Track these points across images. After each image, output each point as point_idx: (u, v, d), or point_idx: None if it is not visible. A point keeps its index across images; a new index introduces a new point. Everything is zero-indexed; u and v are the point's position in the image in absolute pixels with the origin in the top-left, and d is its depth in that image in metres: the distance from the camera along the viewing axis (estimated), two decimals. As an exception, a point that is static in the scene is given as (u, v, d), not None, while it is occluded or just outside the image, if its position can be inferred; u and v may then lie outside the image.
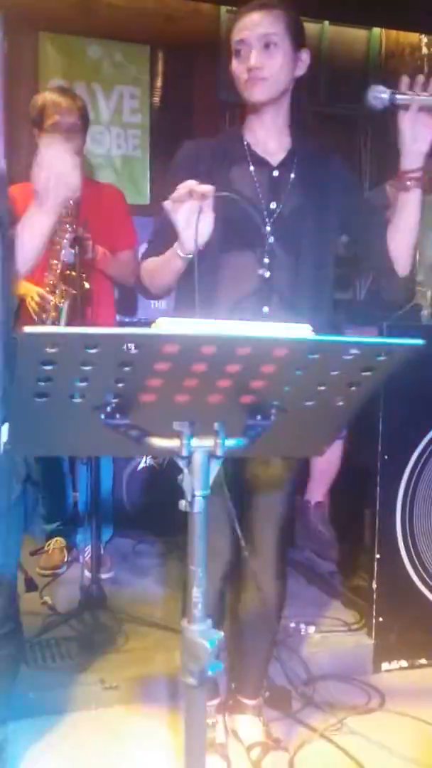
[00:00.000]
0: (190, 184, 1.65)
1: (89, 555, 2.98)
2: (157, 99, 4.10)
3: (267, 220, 1.86)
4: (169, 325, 1.11)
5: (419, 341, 1.16)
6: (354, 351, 1.16)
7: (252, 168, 1.88)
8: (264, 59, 1.79)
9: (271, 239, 1.86)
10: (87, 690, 2.38)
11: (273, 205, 1.87)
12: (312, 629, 2.72)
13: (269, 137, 1.91)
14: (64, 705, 2.31)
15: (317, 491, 3.57)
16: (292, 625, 2.69)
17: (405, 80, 1.79)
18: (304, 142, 1.94)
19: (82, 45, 3.92)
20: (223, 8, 4.14)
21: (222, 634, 1.21)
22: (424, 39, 4.60)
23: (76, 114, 3.03)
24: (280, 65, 1.80)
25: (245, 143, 1.91)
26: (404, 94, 1.79)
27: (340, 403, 1.32)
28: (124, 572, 3.29)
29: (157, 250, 1.85)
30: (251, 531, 2.01)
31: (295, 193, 1.88)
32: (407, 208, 1.89)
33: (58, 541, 3.37)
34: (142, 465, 3.59)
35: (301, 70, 1.86)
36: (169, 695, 2.33)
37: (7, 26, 3.74)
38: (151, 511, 3.50)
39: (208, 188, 1.65)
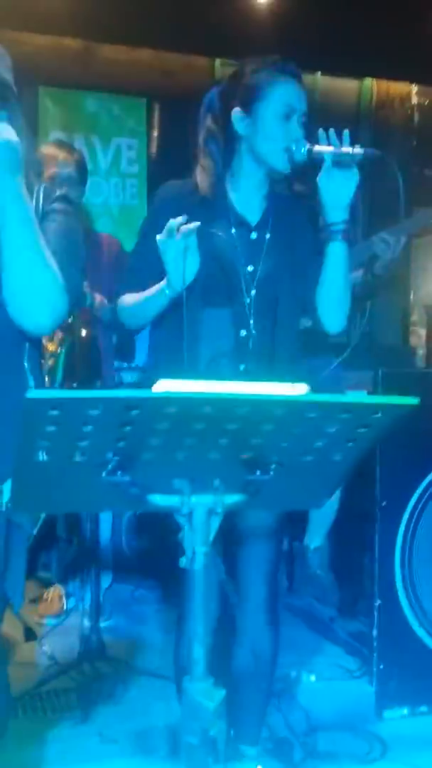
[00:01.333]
0: (179, 220, 1.69)
1: (89, 602, 2.97)
2: (153, 149, 4.18)
3: (244, 281, 1.88)
4: (169, 386, 1.13)
5: (414, 400, 1.18)
6: (350, 410, 1.19)
7: (234, 230, 1.90)
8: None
9: (248, 300, 1.88)
10: (86, 743, 2.35)
11: (250, 268, 1.89)
12: (313, 677, 2.70)
13: (253, 198, 1.93)
14: (62, 759, 2.28)
15: (316, 536, 3.56)
16: (294, 673, 2.67)
17: (322, 133, 1.81)
18: (277, 201, 1.95)
19: (80, 99, 4.01)
20: (218, 61, 4.24)
21: (224, 692, 1.22)
22: (414, 89, 4.71)
23: (73, 166, 3.10)
24: None
25: (229, 202, 1.92)
26: (320, 146, 1.79)
27: (338, 458, 1.34)
28: (123, 619, 3.28)
29: (134, 287, 1.88)
30: (240, 579, 2.01)
31: (271, 255, 1.90)
32: (329, 262, 1.87)
33: (57, 588, 3.36)
34: (140, 510, 3.58)
35: None
36: (169, 748, 2.30)
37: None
38: (150, 556, 3.49)
39: (194, 225, 1.69)
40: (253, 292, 1.88)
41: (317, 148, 1.80)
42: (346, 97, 4.58)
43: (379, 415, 1.22)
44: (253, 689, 2.09)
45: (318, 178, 1.82)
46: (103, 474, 1.23)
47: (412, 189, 4.74)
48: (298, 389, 1.17)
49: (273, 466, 1.30)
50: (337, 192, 1.81)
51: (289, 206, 1.95)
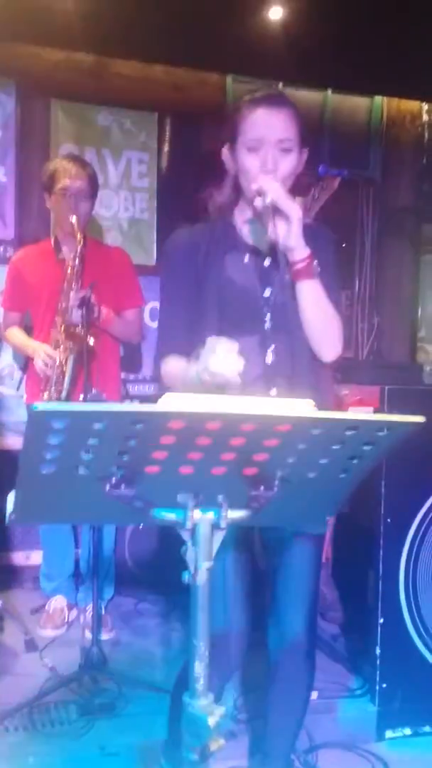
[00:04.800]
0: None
1: (90, 614, 2.96)
2: (164, 164, 4.21)
3: (263, 307, 1.87)
4: (175, 401, 1.13)
5: (420, 418, 1.18)
6: (355, 427, 1.19)
7: (245, 258, 1.90)
8: (279, 163, 1.80)
9: (268, 325, 1.87)
10: (86, 756, 2.35)
11: (267, 293, 1.88)
12: (315, 694, 2.68)
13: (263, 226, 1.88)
14: (62, 772, 2.28)
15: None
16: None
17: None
18: None
19: (92, 112, 4.04)
20: (229, 77, 4.27)
21: (224, 709, 1.21)
22: (425, 107, 4.73)
23: (85, 179, 3.14)
24: (292, 169, 1.83)
25: (238, 231, 1.92)
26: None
27: (342, 475, 1.34)
28: (125, 633, 3.27)
29: (175, 349, 1.86)
30: (278, 610, 1.96)
31: (286, 278, 1.85)
32: (300, 299, 1.83)
33: (59, 600, 3.36)
34: (144, 524, 3.58)
35: (301, 167, 1.89)
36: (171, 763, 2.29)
37: (20, 94, 3.87)
38: (154, 569, 3.49)
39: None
40: (271, 316, 1.87)
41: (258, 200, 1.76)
42: (357, 115, 4.60)
43: (385, 432, 1.22)
44: (284, 719, 2.06)
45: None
46: (107, 487, 1.23)
47: (423, 207, 4.78)
48: (303, 406, 1.17)
49: (277, 482, 1.31)
50: (283, 233, 1.76)
51: (307, 232, 1.87)
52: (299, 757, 2.35)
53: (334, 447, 1.25)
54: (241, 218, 1.93)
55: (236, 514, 1.30)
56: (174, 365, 1.87)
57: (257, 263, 1.90)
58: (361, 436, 1.23)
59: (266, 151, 1.80)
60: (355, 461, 1.30)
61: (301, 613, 1.95)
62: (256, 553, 1.96)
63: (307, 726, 2.52)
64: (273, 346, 1.87)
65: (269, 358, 1.87)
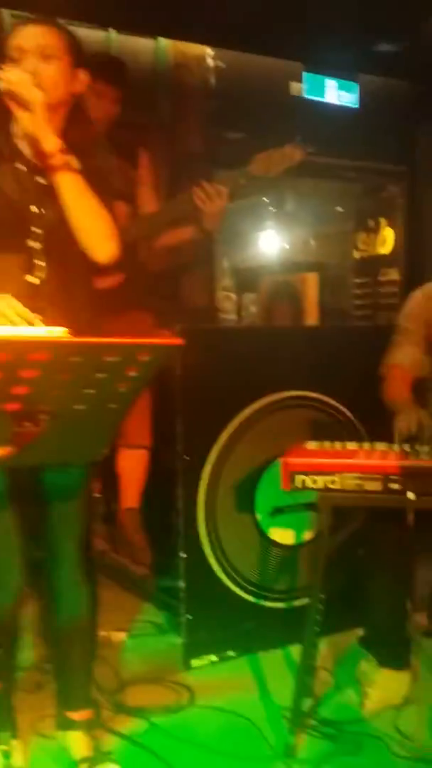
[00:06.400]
0: None
1: None
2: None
3: (31, 224, 1.80)
4: None
5: (177, 340, 1.18)
6: (114, 352, 1.17)
7: (19, 169, 1.83)
8: (41, 68, 1.78)
9: (37, 245, 1.80)
10: None
11: (34, 209, 1.81)
12: (122, 635, 2.71)
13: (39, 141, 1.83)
14: None
15: (129, 497, 3.56)
16: (103, 633, 2.66)
17: None
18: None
19: None
20: (6, 12, 4.06)
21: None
22: (210, 51, 4.74)
23: None
24: (57, 77, 1.80)
25: (15, 142, 1.84)
26: None
27: (112, 405, 1.33)
28: None
29: None
30: (50, 542, 2.00)
31: (58, 198, 1.81)
32: (61, 195, 1.79)
33: None
34: None
35: (78, 87, 1.87)
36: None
37: None
38: None
39: None
40: (41, 235, 1.80)
41: None
42: (142, 57, 4.52)
43: (145, 357, 1.22)
44: (75, 651, 2.09)
45: None
46: None
47: (214, 152, 4.81)
48: (57, 332, 1.14)
49: (43, 417, 1.27)
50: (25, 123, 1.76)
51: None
52: (107, 698, 2.37)
53: (99, 376, 1.23)
54: (20, 132, 1.84)
55: (0, 452, 1.25)
56: None
57: (32, 177, 1.83)
58: (123, 363, 1.21)
59: (26, 59, 1.78)
60: (122, 390, 1.29)
61: (72, 539, 1.98)
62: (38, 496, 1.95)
63: (116, 666, 2.56)
64: (38, 266, 1.79)
65: (34, 279, 1.79)
